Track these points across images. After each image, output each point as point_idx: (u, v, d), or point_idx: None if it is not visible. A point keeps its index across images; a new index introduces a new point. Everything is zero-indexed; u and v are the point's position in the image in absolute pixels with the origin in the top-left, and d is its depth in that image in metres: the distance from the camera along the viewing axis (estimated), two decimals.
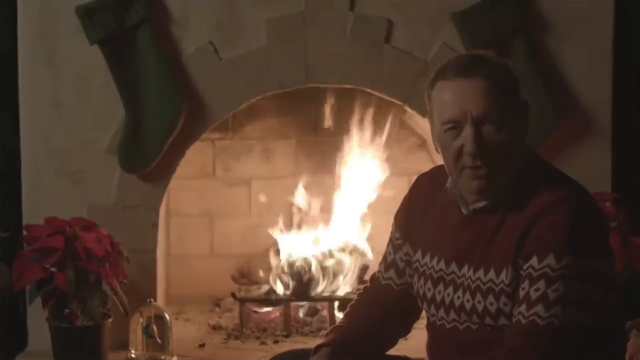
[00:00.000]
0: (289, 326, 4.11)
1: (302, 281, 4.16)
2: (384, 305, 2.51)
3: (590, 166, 3.90)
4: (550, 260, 2.15)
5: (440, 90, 2.25)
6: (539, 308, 2.14)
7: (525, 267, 2.18)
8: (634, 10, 4.10)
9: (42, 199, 3.94)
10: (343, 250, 4.26)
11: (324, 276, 4.19)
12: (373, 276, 2.60)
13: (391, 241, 2.52)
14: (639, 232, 3.68)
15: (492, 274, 2.23)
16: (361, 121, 4.38)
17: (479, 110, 2.20)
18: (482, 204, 2.27)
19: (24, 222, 3.85)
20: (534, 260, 2.16)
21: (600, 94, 3.97)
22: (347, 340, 2.40)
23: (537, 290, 2.15)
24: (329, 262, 4.21)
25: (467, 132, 2.21)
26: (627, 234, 3.65)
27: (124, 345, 3.75)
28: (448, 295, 2.31)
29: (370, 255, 4.26)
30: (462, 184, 2.28)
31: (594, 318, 2.17)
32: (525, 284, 2.17)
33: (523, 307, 2.16)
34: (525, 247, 2.18)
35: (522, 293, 2.17)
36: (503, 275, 2.21)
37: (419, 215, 2.43)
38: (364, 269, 4.24)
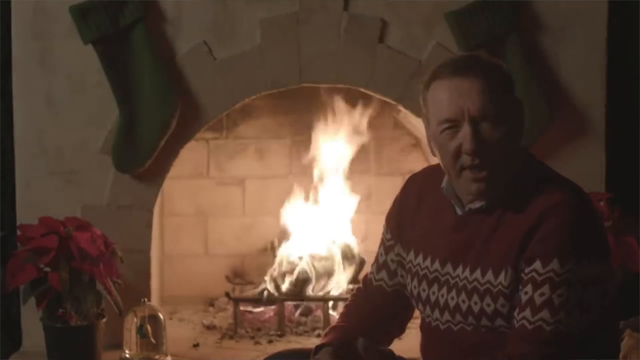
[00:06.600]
0: (283, 326, 4.11)
1: (296, 281, 4.16)
2: (378, 306, 2.51)
3: (584, 165, 3.90)
4: (554, 264, 2.15)
5: (436, 90, 2.25)
6: (545, 313, 2.14)
7: (527, 270, 2.18)
8: (627, 10, 4.10)
9: (35, 199, 3.94)
10: (336, 250, 4.25)
11: (317, 276, 4.19)
12: (365, 277, 2.60)
13: (382, 242, 2.53)
14: (632, 231, 3.69)
15: (489, 275, 2.23)
16: (354, 120, 4.39)
17: (476, 107, 2.19)
18: (479, 204, 2.26)
19: (18, 222, 3.84)
20: (537, 265, 2.16)
21: (594, 93, 3.97)
22: (347, 340, 2.40)
23: (541, 295, 2.15)
24: (323, 262, 4.21)
25: (465, 130, 2.20)
26: (621, 233, 3.65)
27: (118, 345, 3.74)
28: (442, 296, 2.31)
29: (363, 255, 4.26)
30: (462, 186, 2.27)
31: (595, 320, 2.18)
32: (528, 287, 2.17)
33: (527, 312, 2.16)
34: (527, 250, 2.18)
35: (524, 297, 2.17)
36: (502, 277, 2.21)
37: (411, 215, 2.43)
38: (358, 268, 4.24)
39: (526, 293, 2.17)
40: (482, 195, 2.25)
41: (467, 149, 2.20)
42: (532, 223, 2.18)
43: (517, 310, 2.19)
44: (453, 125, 2.22)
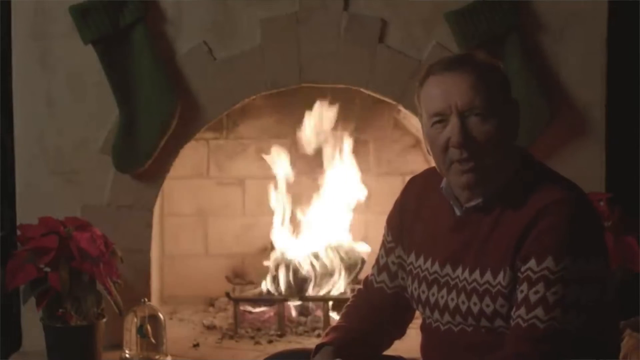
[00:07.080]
0: (283, 326, 4.11)
1: (296, 281, 4.16)
2: (379, 308, 2.51)
3: (584, 165, 3.91)
4: (549, 262, 2.14)
5: (428, 86, 2.26)
6: (539, 311, 2.14)
7: (523, 269, 2.17)
8: (627, 10, 4.10)
9: (36, 199, 3.94)
10: (337, 250, 4.25)
11: (317, 276, 4.19)
12: (366, 279, 2.60)
13: (383, 244, 2.53)
14: (632, 231, 3.69)
15: (488, 275, 2.23)
16: (354, 120, 4.39)
17: (464, 101, 2.20)
18: (475, 202, 2.26)
19: (18, 221, 3.84)
20: (532, 263, 2.16)
21: (594, 93, 3.97)
22: (348, 340, 2.41)
23: (536, 293, 2.15)
24: (323, 262, 4.21)
25: (453, 123, 2.21)
26: (621, 233, 3.65)
27: (118, 345, 3.74)
28: (442, 297, 2.31)
29: (364, 255, 4.26)
30: (452, 180, 2.28)
31: (592, 319, 2.17)
32: (524, 286, 2.17)
33: (522, 310, 2.16)
34: (523, 248, 2.18)
35: (520, 296, 2.17)
36: (500, 277, 2.21)
37: (412, 217, 2.43)
38: (358, 268, 4.24)
39: (522, 291, 2.17)
40: (472, 188, 2.25)
41: (454, 141, 2.21)
42: (529, 221, 2.18)
43: (513, 309, 2.19)
44: (442, 119, 2.23)
